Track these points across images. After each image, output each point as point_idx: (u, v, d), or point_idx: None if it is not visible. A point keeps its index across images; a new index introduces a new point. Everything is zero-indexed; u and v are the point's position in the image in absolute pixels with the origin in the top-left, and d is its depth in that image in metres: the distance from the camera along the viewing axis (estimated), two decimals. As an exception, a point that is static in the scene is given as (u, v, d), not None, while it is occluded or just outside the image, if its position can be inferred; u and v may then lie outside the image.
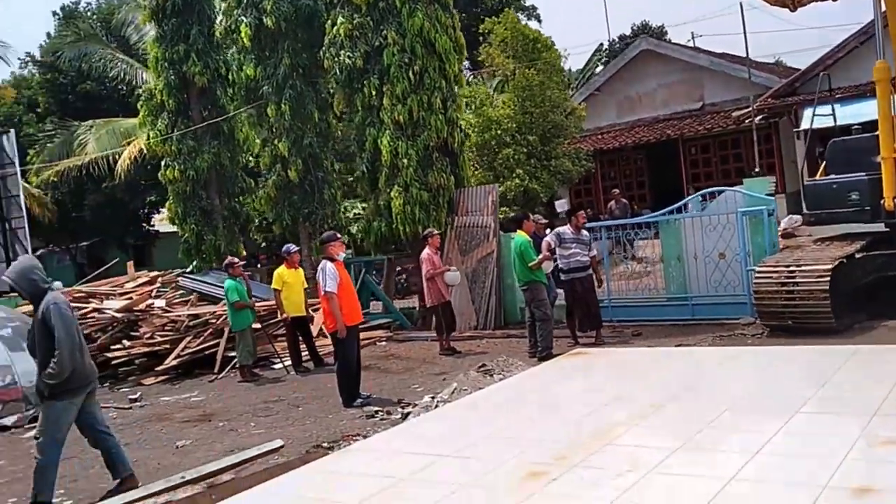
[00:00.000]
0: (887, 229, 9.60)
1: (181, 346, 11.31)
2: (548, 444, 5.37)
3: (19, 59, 31.37)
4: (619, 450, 5.09)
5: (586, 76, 26.32)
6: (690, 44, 27.51)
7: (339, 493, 4.95)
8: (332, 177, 15.46)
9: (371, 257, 14.51)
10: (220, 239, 15.59)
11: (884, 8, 9.69)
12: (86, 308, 11.97)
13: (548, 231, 11.31)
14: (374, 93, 13.06)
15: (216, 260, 15.20)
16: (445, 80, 13.05)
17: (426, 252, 10.68)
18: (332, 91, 14.46)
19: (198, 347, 11.31)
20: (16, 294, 8.84)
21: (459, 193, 13.21)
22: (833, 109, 11.58)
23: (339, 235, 8.54)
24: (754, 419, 5.47)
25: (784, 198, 16.37)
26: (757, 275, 9.18)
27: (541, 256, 9.50)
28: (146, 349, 11.42)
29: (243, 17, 14.46)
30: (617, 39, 33.37)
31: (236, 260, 10.98)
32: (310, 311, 11.09)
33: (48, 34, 28.30)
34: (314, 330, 11.33)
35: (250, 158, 16.93)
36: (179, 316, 11.86)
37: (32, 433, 6.09)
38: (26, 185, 20.70)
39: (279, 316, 10.99)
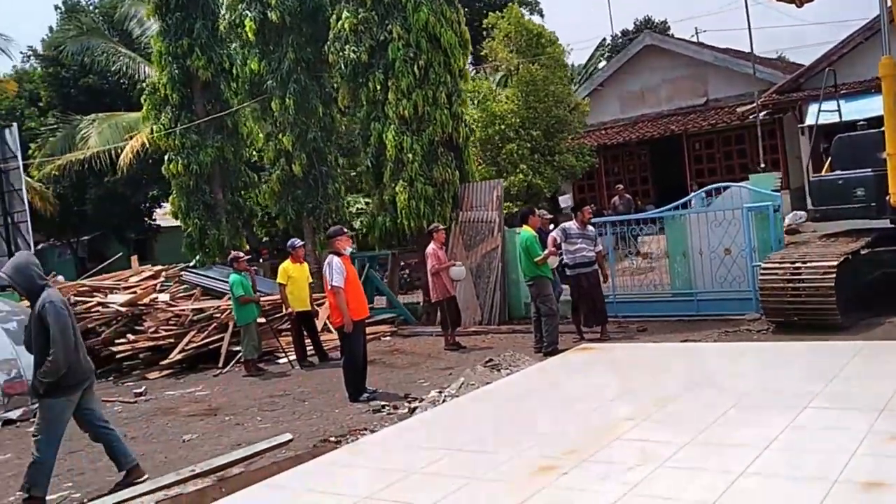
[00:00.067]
0: (893, 225, 9.61)
1: (185, 340, 11.32)
2: (557, 439, 5.38)
3: (21, 52, 31.35)
4: (628, 444, 5.11)
5: (589, 72, 26.26)
6: (694, 39, 27.45)
7: (348, 487, 4.96)
8: (335, 171, 15.45)
9: (375, 252, 14.51)
10: (223, 233, 15.59)
11: (889, 3, 9.68)
12: (90, 302, 12.00)
13: (552, 226, 11.31)
14: (378, 87, 13.05)
15: (219, 254, 15.22)
16: (450, 75, 13.03)
17: (431, 247, 10.68)
18: (336, 85, 14.43)
19: (202, 342, 11.32)
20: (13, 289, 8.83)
21: (464, 188, 13.20)
22: (838, 105, 11.57)
23: (345, 230, 8.55)
24: (762, 414, 5.49)
25: (788, 194, 16.38)
26: (762, 271, 9.18)
27: (546, 251, 9.49)
28: (150, 343, 11.43)
29: (247, 12, 14.44)
30: (619, 35, 33.35)
31: (241, 254, 10.98)
32: (314, 305, 11.10)
33: (50, 28, 28.29)
34: (319, 324, 11.34)
35: (254, 153, 16.93)
36: (184, 310, 11.87)
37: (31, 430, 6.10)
38: (28, 178, 20.69)
39: (284, 310, 11.00)
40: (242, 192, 16.31)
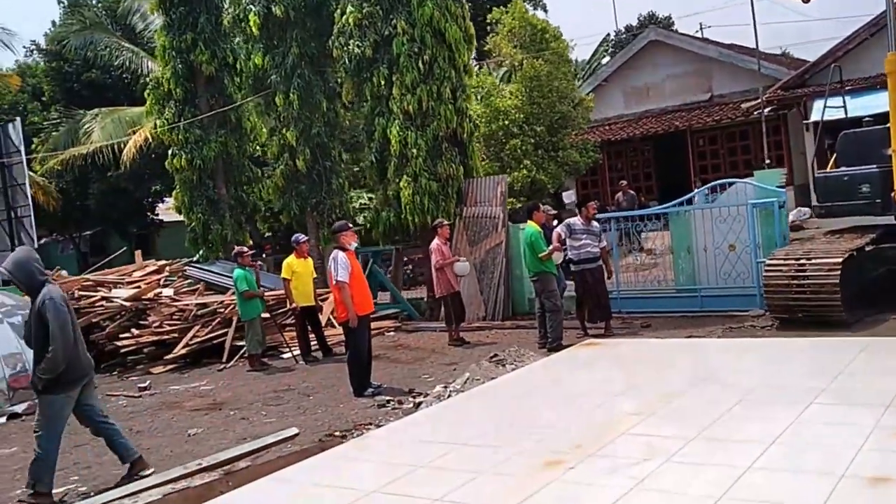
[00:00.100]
0: (898, 222, 9.59)
1: (189, 335, 11.33)
2: (562, 434, 5.38)
3: (24, 47, 31.26)
4: (634, 439, 5.10)
5: (592, 67, 26.21)
6: (699, 35, 27.39)
7: (354, 482, 4.96)
8: (339, 166, 15.45)
9: (379, 247, 14.52)
10: (226, 228, 15.60)
11: (896, -1, 9.64)
12: (94, 297, 12.01)
13: (555, 222, 11.31)
14: (383, 82, 13.04)
15: (222, 249, 15.23)
16: (455, 70, 13.01)
17: (435, 242, 10.68)
18: (340, 80, 14.42)
19: (206, 336, 11.33)
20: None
21: (468, 184, 13.20)
22: (844, 101, 11.53)
23: (350, 225, 8.54)
24: (768, 410, 5.48)
25: (792, 190, 16.36)
26: (767, 267, 9.18)
27: (551, 247, 9.50)
28: (154, 338, 11.44)
29: (252, 6, 14.43)
30: (623, 30, 33.29)
31: (245, 249, 10.98)
32: (318, 300, 11.11)
33: (53, 22, 28.27)
34: (322, 319, 11.35)
35: (257, 148, 16.92)
36: (188, 305, 11.87)
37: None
38: (31, 173, 20.64)
39: (288, 305, 11.01)
40: (246, 187, 16.31)
